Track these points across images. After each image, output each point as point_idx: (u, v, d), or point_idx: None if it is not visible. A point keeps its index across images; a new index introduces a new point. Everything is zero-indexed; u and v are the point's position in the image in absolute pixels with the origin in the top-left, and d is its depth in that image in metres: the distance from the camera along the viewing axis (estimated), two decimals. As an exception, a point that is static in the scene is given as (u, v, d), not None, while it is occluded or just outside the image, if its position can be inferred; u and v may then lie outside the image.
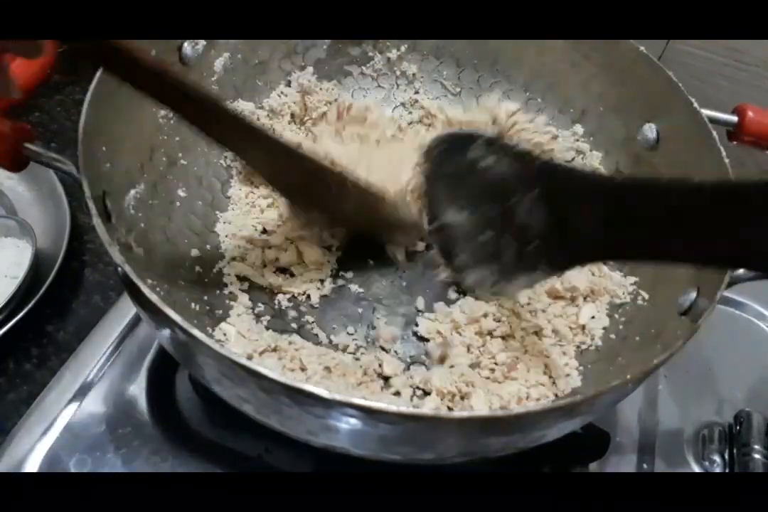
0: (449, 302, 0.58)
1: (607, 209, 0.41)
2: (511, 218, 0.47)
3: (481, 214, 0.49)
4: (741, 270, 0.45)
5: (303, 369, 0.50)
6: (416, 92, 0.72)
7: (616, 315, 0.56)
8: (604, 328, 0.56)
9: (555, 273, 0.48)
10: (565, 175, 0.44)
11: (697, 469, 0.57)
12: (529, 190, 0.45)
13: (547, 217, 0.45)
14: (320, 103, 0.67)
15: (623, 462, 0.56)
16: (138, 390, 0.56)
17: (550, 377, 0.52)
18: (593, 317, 0.56)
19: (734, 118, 0.56)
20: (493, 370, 0.52)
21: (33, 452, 0.52)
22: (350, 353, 0.54)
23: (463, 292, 0.59)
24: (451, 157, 0.50)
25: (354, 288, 0.59)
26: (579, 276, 0.57)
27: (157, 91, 0.42)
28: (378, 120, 0.66)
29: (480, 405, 0.48)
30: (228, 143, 0.48)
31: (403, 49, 0.70)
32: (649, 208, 0.38)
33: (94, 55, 0.39)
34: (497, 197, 0.47)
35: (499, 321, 0.55)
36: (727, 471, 0.56)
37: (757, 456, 0.54)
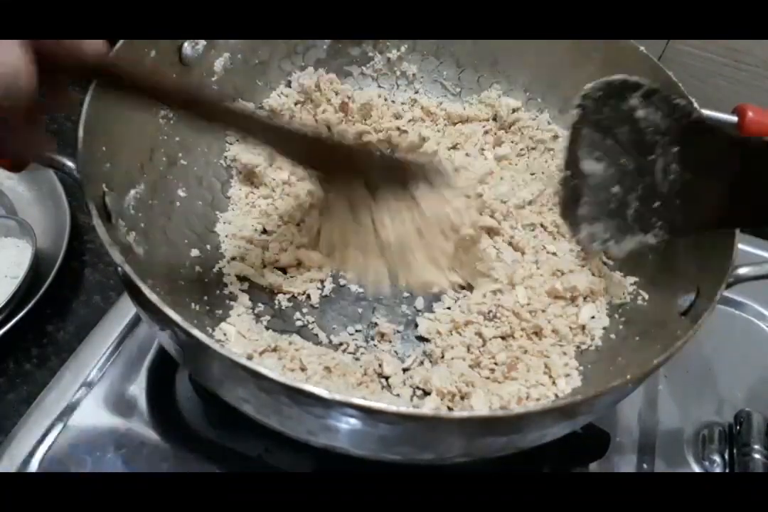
0: (449, 302, 0.58)
1: (740, 164, 0.40)
2: (644, 174, 0.47)
3: (618, 166, 0.49)
4: (741, 270, 0.45)
5: (303, 369, 0.50)
6: (416, 92, 0.72)
7: (616, 315, 0.56)
8: (604, 328, 0.56)
9: (667, 237, 0.49)
10: (710, 133, 0.44)
11: (697, 469, 0.57)
12: (672, 145, 0.45)
13: (679, 176, 0.45)
14: (322, 98, 0.67)
15: (623, 462, 0.56)
16: (138, 390, 0.56)
17: (550, 377, 0.52)
18: (593, 317, 0.56)
19: (734, 118, 0.56)
20: (493, 370, 0.52)
21: (33, 452, 0.52)
22: (350, 353, 0.54)
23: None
24: (605, 105, 0.49)
25: (354, 288, 0.59)
26: (579, 277, 0.57)
27: (158, 96, 0.42)
28: (383, 114, 0.67)
29: (480, 405, 0.48)
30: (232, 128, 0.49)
31: (403, 49, 0.70)
32: None
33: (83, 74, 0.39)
34: (640, 150, 0.48)
35: (499, 321, 0.55)
36: (727, 471, 0.56)
37: (757, 456, 0.54)
